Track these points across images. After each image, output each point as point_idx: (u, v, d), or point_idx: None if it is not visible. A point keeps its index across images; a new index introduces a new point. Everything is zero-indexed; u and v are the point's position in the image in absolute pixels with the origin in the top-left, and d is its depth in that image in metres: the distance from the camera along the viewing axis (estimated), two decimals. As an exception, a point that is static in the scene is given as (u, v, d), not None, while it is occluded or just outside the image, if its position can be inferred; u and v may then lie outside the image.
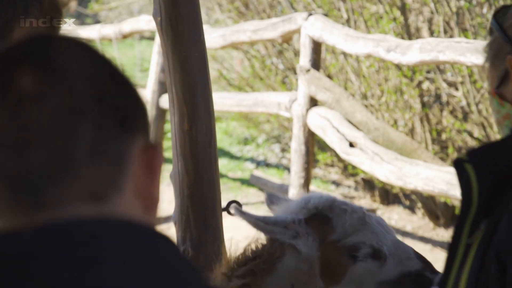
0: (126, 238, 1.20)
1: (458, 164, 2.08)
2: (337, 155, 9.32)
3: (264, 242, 3.02)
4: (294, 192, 7.23)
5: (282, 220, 2.95)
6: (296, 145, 7.39)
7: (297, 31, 7.25)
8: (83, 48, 1.29)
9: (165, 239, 1.25)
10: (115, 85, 1.29)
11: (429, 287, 2.87)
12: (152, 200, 1.32)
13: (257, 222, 2.92)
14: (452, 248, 2.13)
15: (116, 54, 11.00)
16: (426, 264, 2.97)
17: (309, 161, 7.14)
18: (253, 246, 3.04)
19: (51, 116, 1.19)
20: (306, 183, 7.17)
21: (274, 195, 3.36)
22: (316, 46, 7.05)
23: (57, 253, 1.14)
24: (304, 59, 7.05)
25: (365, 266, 2.89)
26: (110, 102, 1.25)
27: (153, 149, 1.30)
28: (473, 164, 2.08)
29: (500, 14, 2.24)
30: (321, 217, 2.96)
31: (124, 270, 1.16)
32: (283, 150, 11.75)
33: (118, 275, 1.15)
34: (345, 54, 8.65)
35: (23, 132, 1.19)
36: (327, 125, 6.76)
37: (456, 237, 2.11)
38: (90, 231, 1.17)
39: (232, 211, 3.03)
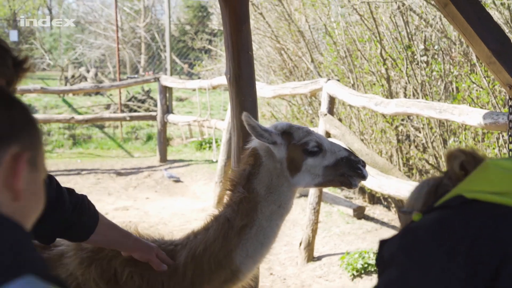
0: None
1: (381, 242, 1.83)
2: None
3: (248, 159, 3.03)
4: (313, 192, 7.15)
5: (269, 129, 2.95)
6: (316, 162, 7.18)
7: (320, 89, 7.29)
8: None
9: (13, 223, 1.22)
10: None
11: (356, 165, 2.93)
12: (16, 191, 1.25)
13: (256, 125, 2.89)
14: None
15: (208, 99, 11.01)
16: (350, 153, 3.02)
17: None
18: (242, 165, 3.06)
19: None
20: None
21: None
22: (331, 100, 7.07)
23: None
24: (323, 107, 7.07)
25: (313, 158, 2.92)
26: None
27: (20, 157, 1.24)
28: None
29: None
30: (286, 132, 2.97)
31: None
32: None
33: None
34: (350, 106, 8.65)
35: None
36: (335, 150, 6.77)
37: None
38: None
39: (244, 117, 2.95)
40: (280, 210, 2.98)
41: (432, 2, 6.74)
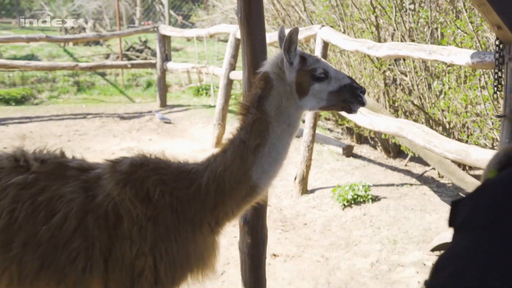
0: None
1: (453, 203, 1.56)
2: (332, 112, 9.43)
3: (259, 83, 3.04)
4: (307, 132, 7.28)
5: (299, 52, 3.00)
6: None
7: (314, 36, 7.31)
8: None
9: None
10: None
11: (357, 92, 2.97)
12: None
13: (296, 41, 2.93)
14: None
15: (206, 47, 10.97)
16: (353, 80, 3.02)
17: (316, 116, 7.23)
18: (253, 89, 3.07)
19: None
20: (313, 127, 7.27)
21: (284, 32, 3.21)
22: (325, 45, 7.11)
23: None
24: (317, 52, 7.13)
25: (320, 84, 2.95)
26: None
27: None
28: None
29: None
30: (302, 57, 2.97)
31: None
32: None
33: None
34: (341, 52, 8.68)
35: None
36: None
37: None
38: None
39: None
40: (289, 129, 3.02)
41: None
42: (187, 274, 3.12)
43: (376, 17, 7.85)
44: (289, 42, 2.91)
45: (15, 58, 14.36)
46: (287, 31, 3.02)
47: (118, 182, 3.02)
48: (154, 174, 3.06)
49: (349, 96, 2.99)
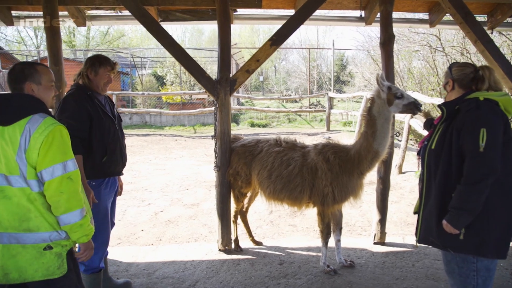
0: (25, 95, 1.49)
1: (439, 106, 1.92)
2: (415, 136, 8.99)
3: (368, 100, 2.98)
4: (403, 143, 7.01)
5: (385, 85, 2.85)
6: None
7: None
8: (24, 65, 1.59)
9: (35, 97, 1.50)
10: (24, 70, 1.53)
11: (416, 104, 2.81)
12: (32, 92, 1.54)
13: (381, 82, 2.84)
14: (434, 129, 1.94)
15: (350, 103, 10.39)
16: (415, 99, 2.84)
17: (407, 136, 6.81)
18: (367, 104, 3.00)
19: (14, 75, 1.53)
20: (406, 141, 6.80)
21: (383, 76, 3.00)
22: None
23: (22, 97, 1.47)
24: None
25: (399, 100, 2.82)
26: (19, 75, 1.52)
27: (30, 84, 1.53)
28: (444, 105, 1.93)
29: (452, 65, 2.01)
30: (389, 87, 2.83)
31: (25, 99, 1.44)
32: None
33: (22, 101, 1.41)
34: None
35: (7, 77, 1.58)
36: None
37: (436, 125, 1.93)
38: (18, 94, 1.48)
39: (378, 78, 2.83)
40: (386, 122, 2.98)
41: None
42: (348, 197, 3.20)
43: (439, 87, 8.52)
44: (381, 82, 2.96)
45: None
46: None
47: (316, 153, 3.23)
48: (331, 149, 3.23)
49: (413, 106, 2.87)
